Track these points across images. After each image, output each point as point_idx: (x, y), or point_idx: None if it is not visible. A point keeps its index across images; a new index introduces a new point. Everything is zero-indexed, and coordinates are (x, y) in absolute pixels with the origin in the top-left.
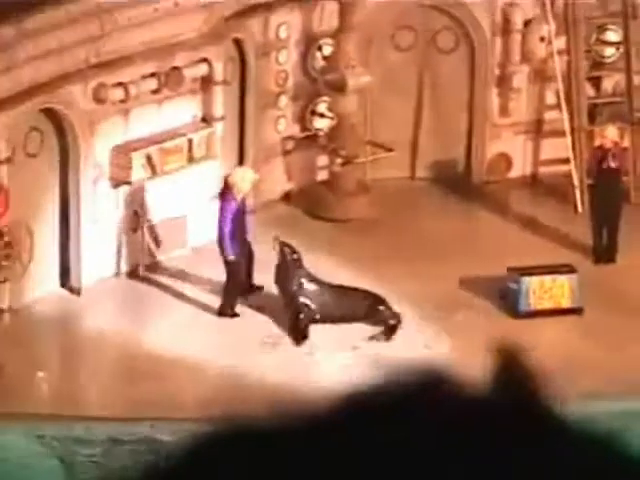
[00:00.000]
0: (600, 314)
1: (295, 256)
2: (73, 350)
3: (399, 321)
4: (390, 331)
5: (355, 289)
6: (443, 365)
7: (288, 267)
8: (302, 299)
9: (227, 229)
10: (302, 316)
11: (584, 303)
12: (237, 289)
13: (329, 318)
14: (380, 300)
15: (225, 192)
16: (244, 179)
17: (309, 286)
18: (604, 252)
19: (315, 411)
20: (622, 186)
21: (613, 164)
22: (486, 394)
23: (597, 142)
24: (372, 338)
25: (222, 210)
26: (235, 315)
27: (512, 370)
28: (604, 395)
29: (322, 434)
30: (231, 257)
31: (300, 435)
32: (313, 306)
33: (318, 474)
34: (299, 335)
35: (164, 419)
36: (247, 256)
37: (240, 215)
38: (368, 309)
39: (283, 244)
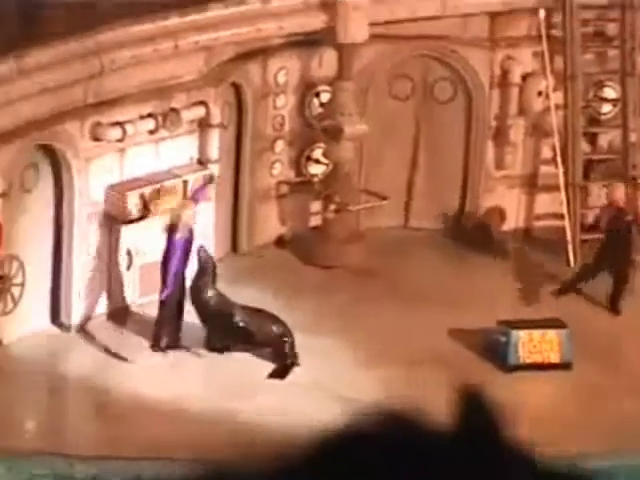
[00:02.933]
0: (589, 369)
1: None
2: (58, 387)
3: (295, 363)
4: (284, 371)
5: (269, 314)
6: (418, 409)
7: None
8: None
9: (174, 267)
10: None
11: (573, 358)
12: (168, 321)
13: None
14: (288, 333)
15: (172, 227)
16: (187, 212)
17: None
18: (610, 301)
19: (297, 453)
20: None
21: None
22: (452, 436)
23: (608, 200)
24: (270, 376)
25: (170, 246)
26: (164, 349)
27: (476, 414)
28: (590, 452)
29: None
30: (169, 292)
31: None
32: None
33: None
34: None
35: (146, 458)
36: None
37: (188, 247)
38: (276, 337)
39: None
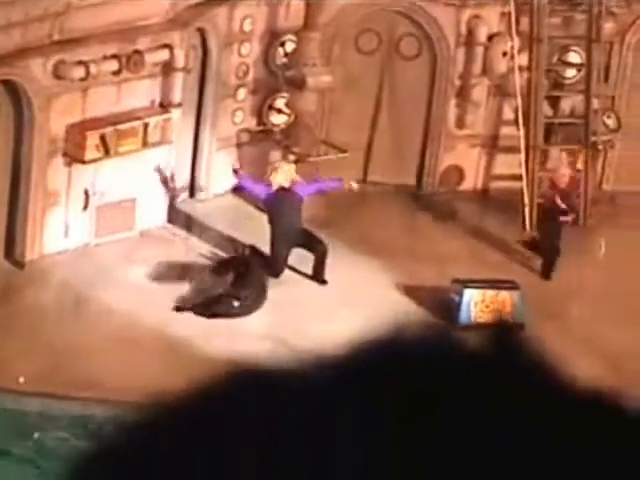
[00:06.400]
0: (539, 331)
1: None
2: (10, 323)
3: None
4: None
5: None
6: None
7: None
8: None
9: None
10: None
11: (525, 319)
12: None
13: None
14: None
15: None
16: (282, 171)
17: None
18: (543, 268)
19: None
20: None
21: (563, 205)
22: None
23: (554, 181)
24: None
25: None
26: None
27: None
28: None
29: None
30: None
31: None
32: None
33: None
34: None
35: (97, 399)
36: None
37: (278, 200)
38: None
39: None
